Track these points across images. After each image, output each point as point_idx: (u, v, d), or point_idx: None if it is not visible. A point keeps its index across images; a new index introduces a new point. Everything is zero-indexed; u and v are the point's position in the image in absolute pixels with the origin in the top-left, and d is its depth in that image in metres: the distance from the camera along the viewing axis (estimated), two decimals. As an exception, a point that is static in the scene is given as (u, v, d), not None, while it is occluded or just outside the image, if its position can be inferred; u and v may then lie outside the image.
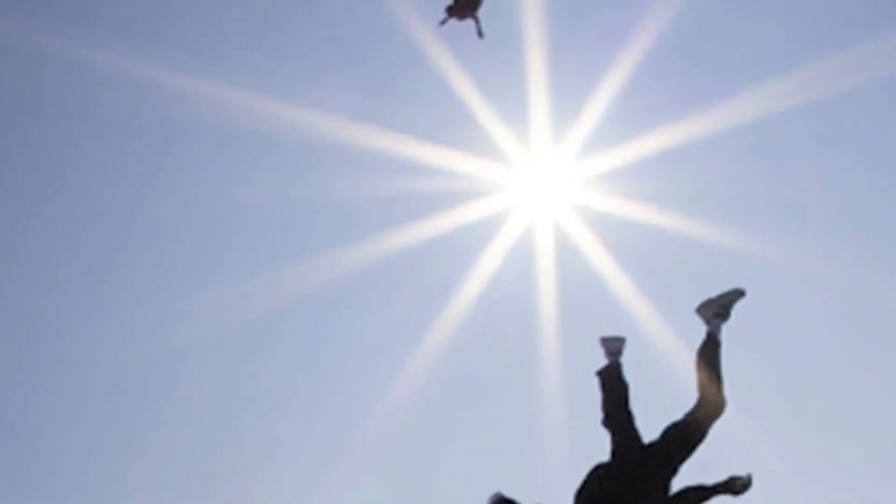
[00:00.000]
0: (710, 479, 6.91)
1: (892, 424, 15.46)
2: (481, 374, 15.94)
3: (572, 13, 14.18)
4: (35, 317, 16.91)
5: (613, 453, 7.11)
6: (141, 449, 16.59)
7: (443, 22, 11.64)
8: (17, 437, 16.97)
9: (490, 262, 13.99)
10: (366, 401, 15.62)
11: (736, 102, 14.11)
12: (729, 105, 14.09)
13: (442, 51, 12.79)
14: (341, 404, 16.45)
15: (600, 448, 7.19)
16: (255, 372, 16.78)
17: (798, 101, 14.19)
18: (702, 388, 7.11)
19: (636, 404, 7.38)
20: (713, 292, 7.44)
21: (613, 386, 7.53)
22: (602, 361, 7.72)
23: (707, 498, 6.86)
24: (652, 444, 7.03)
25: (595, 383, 7.63)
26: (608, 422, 7.33)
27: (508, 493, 7.18)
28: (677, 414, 7.08)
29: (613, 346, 7.76)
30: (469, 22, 11.56)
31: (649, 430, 7.15)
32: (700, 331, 7.36)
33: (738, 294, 7.42)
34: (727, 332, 7.35)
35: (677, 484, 6.90)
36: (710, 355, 7.22)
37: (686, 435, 6.98)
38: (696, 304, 7.47)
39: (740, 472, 6.90)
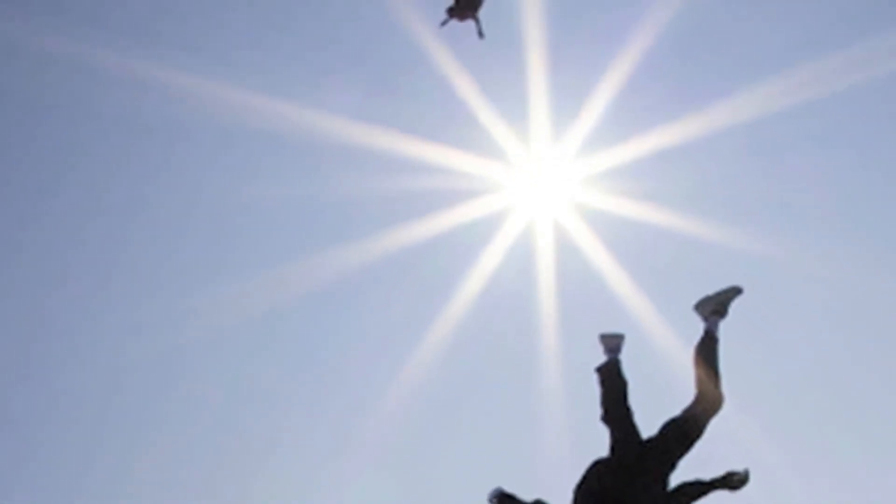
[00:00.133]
0: (707, 475, 6.91)
1: (889, 420, 15.47)
2: (482, 371, 15.94)
3: (572, 14, 14.18)
4: (41, 314, 16.90)
5: (612, 449, 7.11)
6: (145, 445, 16.60)
7: (444, 23, 11.64)
8: (23, 432, 16.99)
9: (490, 259, 13.99)
10: (367, 397, 15.63)
11: (733, 102, 14.10)
12: (726, 105, 14.09)
13: (443, 51, 12.79)
14: (343, 401, 16.47)
15: (599, 443, 7.19)
16: (258, 368, 16.78)
17: (794, 100, 14.19)
18: (700, 384, 7.11)
19: (635, 400, 7.38)
20: (711, 290, 7.44)
21: (612, 382, 7.54)
22: (601, 358, 7.73)
23: (705, 493, 6.86)
24: (650, 440, 7.04)
25: (594, 379, 7.63)
26: (607, 417, 7.33)
27: (508, 489, 7.19)
28: (675, 410, 7.08)
29: (612, 343, 7.76)
30: (470, 23, 11.57)
31: (648, 425, 7.15)
32: (698, 328, 7.36)
33: (735, 291, 7.42)
34: (725, 328, 7.35)
35: (675, 479, 6.90)
36: (707, 352, 7.22)
37: (684, 431, 6.99)
38: (694, 301, 7.47)
39: (738, 467, 6.90)
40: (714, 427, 7.01)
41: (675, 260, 14.46)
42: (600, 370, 7.65)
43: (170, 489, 16.43)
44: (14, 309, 17.01)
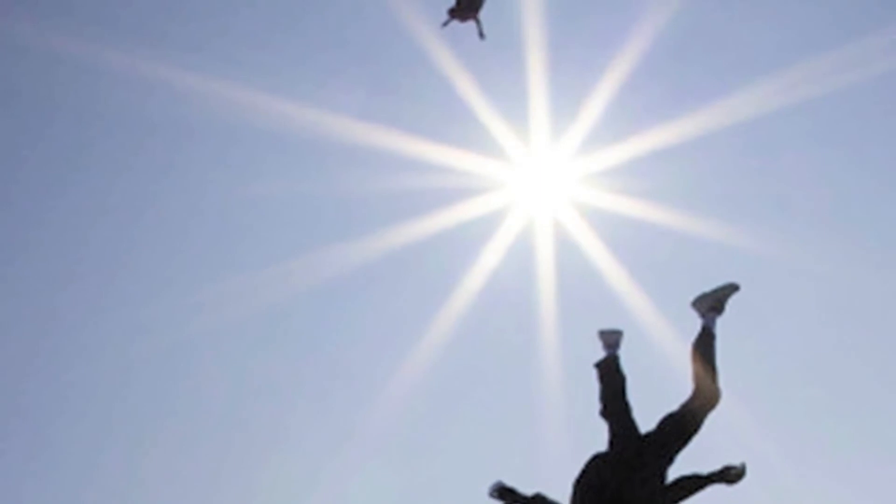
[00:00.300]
0: (705, 469, 6.89)
1: (881, 412, 15.47)
2: (482, 366, 15.93)
3: (571, 16, 14.17)
4: (49, 310, 16.89)
5: (611, 443, 7.10)
6: (153, 438, 16.59)
7: (445, 24, 11.63)
8: (33, 427, 16.98)
9: (491, 256, 13.98)
10: (370, 391, 15.62)
11: (728, 102, 14.10)
12: (722, 104, 14.09)
13: (444, 52, 12.78)
14: (347, 394, 16.46)
15: (598, 438, 7.18)
16: (263, 363, 16.76)
17: (788, 100, 14.20)
18: (697, 379, 7.09)
19: (633, 395, 7.37)
20: (708, 286, 7.42)
21: (611, 377, 7.52)
22: (600, 354, 7.71)
23: (702, 486, 6.84)
24: (649, 434, 7.02)
25: (593, 375, 7.61)
26: (606, 412, 7.32)
27: (509, 482, 7.18)
28: (673, 405, 7.07)
29: (611, 339, 7.75)
30: (471, 24, 11.56)
31: (646, 420, 7.14)
32: (695, 324, 7.35)
33: (732, 288, 7.39)
34: (722, 325, 7.34)
35: (673, 473, 6.89)
36: (705, 348, 7.20)
37: (682, 425, 6.97)
38: (692, 298, 7.45)
39: (734, 461, 6.88)
40: (711, 422, 7.00)
41: (673, 257, 14.46)
42: (599, 366, 7.63)
43: (177, 482, 16.45)
44: (22, 306, 17.01)
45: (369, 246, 15.08)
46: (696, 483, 6.83)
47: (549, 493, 7.07)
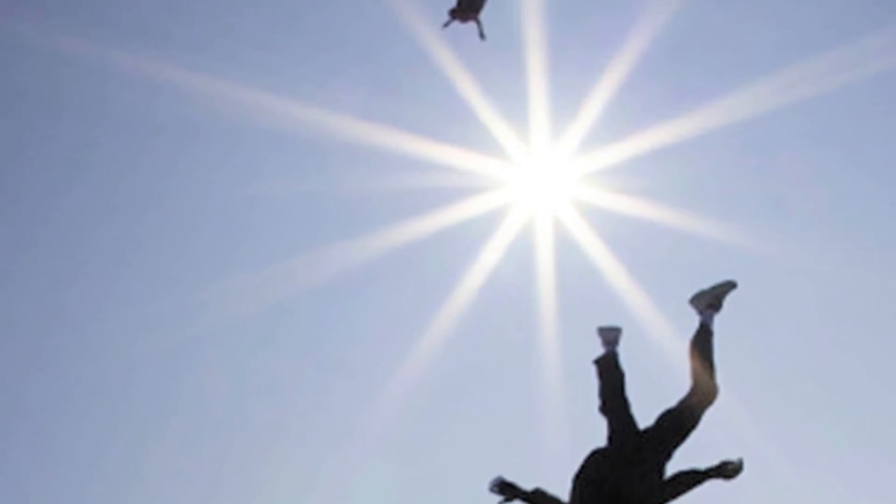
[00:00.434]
0: (702, 464, 6.90)
1: (878, 410, 15.47)
2: (483, 363, 15.93)
3: (570, 16, 14.16)
4: (55, 308, 16.90)
5: (610, 439, 7.11)
6: (156, 435, 16.59)
7: (446, 24, 11.62)
8: (37, 424, 16.98)
9: (491, 254, 13.98)
10: (372, 387, 15.62)
11: (726, 102, 14.09)
12: (719, 104, 14.08)
13: (445, 52, 12.78)
14: (349, 390, 16.45)
15: (597, 433, 7.18)
16: (267, 360, 16.76)
17: (785, 100, 14.19)
18: (695, 376, 7.10)
19: (632, 391, 7.37)
20: (706, 284, 7.43)
21: (610, 374, 7.53)
22: (599, 350, 7.71)
23: (700, 481, 6.84)
24: (647, 430, 7.03)
25: (592, 371, 7.62)
26: (605, 408, 7.33)
27: (509, 478, 7.18)
28: (671, 401, 7.07)
29: (610, 336, 7.75)
30: (471, 24, 11.55)
31: (644, 416, 7.15)
32: (693, 321, 7.35)
33: (729, 286, 7.40)
34: (719, 322, 7.34)
35: (671, 468, 6.89)
36: (702, 344, 7.21)
37: (680, 421, 6.98)
38: (690, 295, 7.46)
39: (732, 456, 6.89)
40: (709, 417, 7.01)
41: (672, 255, 14.45)
42: (598, 362, 7.64)
43: (181, 478, 16.45)
44: (28, 303, 17.01)
45: (371, 244, 15.09)
46: (693, 478, 6.84)
47: (549, 489, 7.08)
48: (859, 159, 15.92)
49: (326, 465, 15.65)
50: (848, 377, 15.61)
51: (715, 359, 7.14)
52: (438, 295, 14.43)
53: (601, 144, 13.98)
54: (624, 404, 7.26)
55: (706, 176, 15.06)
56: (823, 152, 15.69)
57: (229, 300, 15.53)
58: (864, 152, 15.91)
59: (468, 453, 15.35)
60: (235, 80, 14.41)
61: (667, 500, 6.80)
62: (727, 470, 6.83)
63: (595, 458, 6.91)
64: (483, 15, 11.47)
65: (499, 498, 7.15)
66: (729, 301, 7.39)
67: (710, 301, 7.35)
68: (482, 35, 11.53)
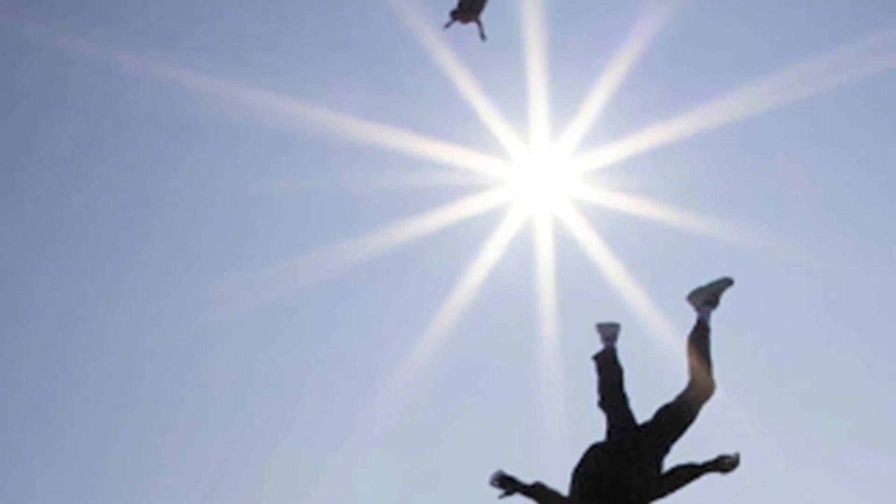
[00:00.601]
0: (700, 458, 6.91)
1: (872, 405, 15.49)
2: (484, 359, 15.94)
3: (570, 18, 14.17)
4: (61, 304, 16.92)
5: (609, 433, 7.11)
6: (161, 429, 16.61)
7: (447, 25, 11.65)
8: (43, 419, 17.01)
9: (492, 252, 14.00)
10: (374, 383, 15.63)
11: (723, 102, 14.11)
12: (716, 104, 14.09)
13: (447, 53, 12.79)
14: (351, 386, 16.47)
15: (596, 428, 7.19)
16: (270, 356, 16.78)
17: (781, 100, 14.21)
18: (692, 371, 7.10)
19: (630, 387, 7.38)
20: (703, 281, 7.43)
21: (609, 369, 7.53)
22: (598, 346, 7.72)
23: (697, 475, 6.85)
24: (645, 425, 7.03)
25: (591, 367, 7.63)
26: (604, 403, 7.33)
27: (510, 471, 7.20)
28: (669, 396, 7.08)
29: (608, 332, 7.75)
30: (472, 25, 11.57)
31: (643, 411, 7.15)
32: (690, 317, 7.36)
33: (726, 283, 7.40)
34: (716, 318, 7.36)
35: (669, 462, 6.91)
36: (700, 340, 7.21)
37: (678, 416, 6.98)
38: (687, 292, 7.47)
39: (729, 450, 6.90)
40: (706, 412, 7.02)
41: (669, 252, 14.46)
42: (597, 358, 7.64)
43: (185, 472, 16.48)
44: (34, 300, 17.04)
45: (373, 242, 15.11)
46: (691, 472, 6.85)
47: (549, 482, 7.10)
48: (854, 159, 15.95)
49: (329, 460, 15.69)
50: (842, 373, 15.65)
51: (712, 354, 7.15)
52: (440, 292, 14.47)
53: (600, 143, 14.01)
54: (622, 399, 7.27)
55: (703, 175, 15.09)
56: (819, 152, 15.70)
57: (233, 297, 15.56)
58: (859, 152, 15.94)
59: (469, 448, 15.38)
60: (239, 81, 14.44)
61: (665, 493, 6.81)
62: (724, 464, 6.84)
63: (594, 452, 6.90)
64: (483, 16, 11.49)
65: (499, 491, 7.17)
66: (726, 297, 7.39)
67: (707, 297, 7.35)
68: (483, 36, 11.55)
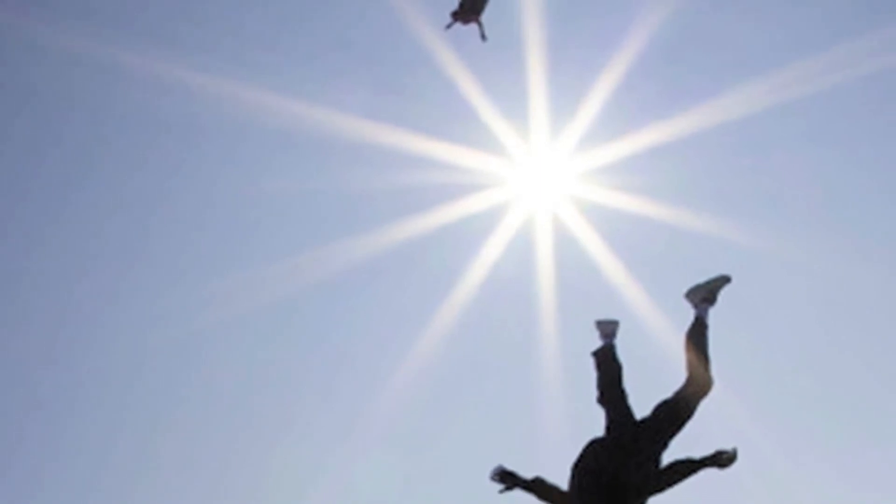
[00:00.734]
0: (698, 453, 6.95)
1: (870, 403, 15.51)
2: (484, 356, 15.95)
3: (569, 18, 14.16)
4: (65, 302, 16.93)
5: (608, 429, 7.14)
6: (165, 426, 16.63)
7: (448, 26, 11.64)
8: (47, 416, 17.03)
9: (492, 250, 13.99)
10: (376, 381, 15.63)
11: (721, 101, 14.11)
12: (715, 104, 14.09)
13: (448, 53, 12.79)
14: (352, 384, 16.47)
15: (596, 424, 7.23)
16: (272, 354, 16.79)
17: (779, 99, 14.20)
18: (690, 367, 7.13)
19: (629, 383, 7.41)
20: (701, 278, 7.46)
21: (608, 366, 7.56)
22: (597, 343, 7.75)
23: (695, 470, 6.89)
24: (644, 420, 7.06)
25: (591, 364, 7.66)
26: (603, 399, 7.36)
27: (510, 467, 7.24)
28: (667, 392, 7.11)
29: (608, 329, 7.79)
30: (473, 26, 11.56)
31: (641, 407, 7.18)
32: (688, 314, 7.38)
33: (724, 280, 7.43)
34: (714, 315, 7.38)
35: (667, 457, 6.94)
36: (698, 337, 7.24)
37: (676, 412, 7.01)
38: (685, 289, 7.50)
39: (726, 446, 6.94)
40: (704, 408, 7.05)
41: (668, 251, 14.46)
42: (596, 355, 7.68)
43: (186, 470, 16.50)
44: (39, 298, 17.05)
45: (374, 241, 15.10)
46: (689, 467, 6.89)
47: (549, 477, 7.13)
48: (852, 158, 15.94)
49: (330, 458, 15.70)
50: (840, 371, 15.67)
51: (710, 351, 7.17)
52: (440, 290, 14.47)
53: (599, 143, 13.99)
54: (621, 395, 7.30)
55: (702, 174, 15.09)
56: (817, 151, 15.70)
57: (235, 296, 15.56)
58: (856, 151, 15.93)
59: (470, 445, 15.39)
60: (242, 80, 14.45)
61: (663, 488, 6.85)
62: (721, 459, 6.88)
63: (593, 447, 6.93)
64: (484, 17, 11.49)
65: (500, 486, 7.21)
66: (723, 295, 7.42)
67: (704, 295, 7.38)
68: (483, 36, 11.55)
